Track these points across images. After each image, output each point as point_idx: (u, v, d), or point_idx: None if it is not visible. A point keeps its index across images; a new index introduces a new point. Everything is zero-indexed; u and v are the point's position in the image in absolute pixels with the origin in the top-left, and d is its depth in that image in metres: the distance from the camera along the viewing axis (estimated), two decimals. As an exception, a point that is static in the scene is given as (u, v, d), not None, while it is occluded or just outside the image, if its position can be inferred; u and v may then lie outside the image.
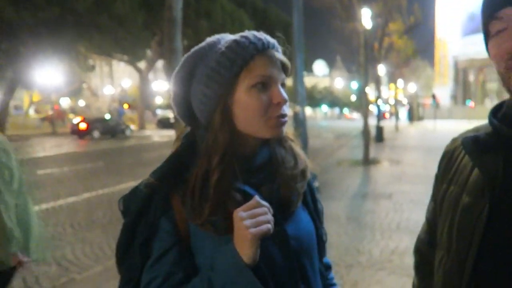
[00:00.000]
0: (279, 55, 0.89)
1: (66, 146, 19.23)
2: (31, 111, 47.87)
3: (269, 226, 0.76)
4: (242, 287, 0.76)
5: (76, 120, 26.33)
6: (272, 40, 0.89)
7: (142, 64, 35.37)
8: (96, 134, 24.43)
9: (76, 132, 24.48)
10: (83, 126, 24.34)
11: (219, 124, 0.85)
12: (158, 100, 53.85)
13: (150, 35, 28.07)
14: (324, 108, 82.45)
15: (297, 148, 0.98)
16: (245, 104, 0.84)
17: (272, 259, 0.84)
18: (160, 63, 38.04)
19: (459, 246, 0.80)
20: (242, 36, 0.86)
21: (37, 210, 6.59)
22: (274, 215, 0.80)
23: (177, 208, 0.84)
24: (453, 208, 0.84)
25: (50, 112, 34.10)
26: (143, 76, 34.50)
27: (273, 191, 0.89)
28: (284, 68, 0.89)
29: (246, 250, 0.75)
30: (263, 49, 0.86)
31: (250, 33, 0.88)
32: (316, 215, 1.01)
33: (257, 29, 0.91)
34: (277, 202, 0.87)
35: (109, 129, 25.36)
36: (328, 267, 1.14)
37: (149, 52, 32.90)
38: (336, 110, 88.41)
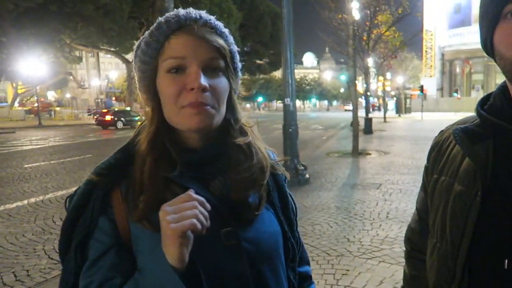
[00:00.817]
0: (208, 34, 0.76)
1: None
2: (16, 104, 46.99)
3: (194, 221, 0.65)
4: None
5: (97, 112, 29.37)
6: (195, 16, 0.77)
7: (129, 56, 34.88)
8: (119, 125, 26.42)
9: (101, 123, 26.74)
10: (108, 118, 26.62)
11: (149, 112, 0.80)
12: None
13: (137, 25, 27.68)
14: (313, 100, 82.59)
15: (257, 143, 0.87)
16: (161, 91, 0.77)
17: (218, 263, 0.76)
18: (147, 55, 37.55)
19: (453, 233, 0.83)
20: (164, 16, 0.78)
21: (25, 204, 6.49)
22: (225, 215, 0.77)
23: (118, 206, 0.76)
24: (446, 197, 0.87)
25: (35, 105, 33.52)
26: (131, 67, 34.03)
27: (225, 188, 0.80)
28: (220, 52, 0.77)
29: (168, 249, 0.67)
30: (179, 28, 0.75)
31: (174, 11, 0.78)
32: (285, 216, 0.89)
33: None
34: (229, 201, 0.80)
35: (131, 121, 26.89)
36: (306, 278, 0.99)
37: (136, 43, 32.47)
38: (325, 102, 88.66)
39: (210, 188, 0.80)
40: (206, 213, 0.68)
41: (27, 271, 3.94)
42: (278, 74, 55.52)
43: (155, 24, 0.78)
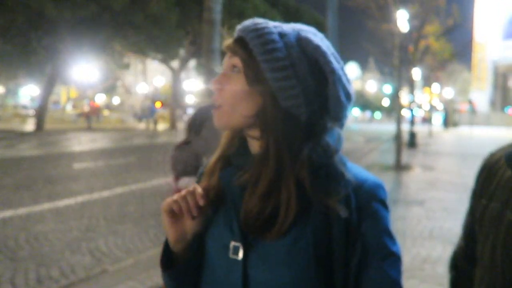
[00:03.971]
0: (233, 41, 0.80)
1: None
2: (69, 107, 49.66)
3: (168, 202, 0.79)
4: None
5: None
6: (241, 27, 0.80)
7: (175, 63, 35.96)
8: None
9: None
10: None
11: None
12: (189, 99, 54.66)
13: (184, 34, 28.51)
14: (355, 111, 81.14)
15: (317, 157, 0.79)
16: None
17: (217, 269, 0.82)
18: (192, 63, 38.53)
19: (505, 265, 0.77)
20: None
21: (73, 203, 6.80)
22: (240, 229, 0.78)
23: None
24: (496, 225, 0.81)
25: (86, 108, 35.23)
26: (176, 75, 35.07)
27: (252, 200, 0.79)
28: (241, 56, 0.78)
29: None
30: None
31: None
32: (333, 256, 0.75)
33: None
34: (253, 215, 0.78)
35: None
36: None
37: (182, 51, 33.39)
38: (368, 113, 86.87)
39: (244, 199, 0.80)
40: (190, 200, 0.78)
41: (72, 266, 4.13)
42: (320, 84, 54.98)
43: None
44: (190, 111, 50.79)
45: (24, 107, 44.43)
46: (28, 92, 46.36)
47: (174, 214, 0.81)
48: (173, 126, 33.65)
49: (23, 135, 21.93)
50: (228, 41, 0.81)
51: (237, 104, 0.78)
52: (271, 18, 0.85)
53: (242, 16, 26.47)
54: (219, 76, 0.80)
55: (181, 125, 36.15)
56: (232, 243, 0.79)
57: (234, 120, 0.79)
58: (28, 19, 20.75)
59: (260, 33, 0.77)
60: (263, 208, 0.76)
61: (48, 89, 26.84)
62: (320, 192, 0.75)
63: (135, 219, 5.92)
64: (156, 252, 4.31)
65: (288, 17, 30.57)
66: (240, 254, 0.77)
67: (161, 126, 35.24)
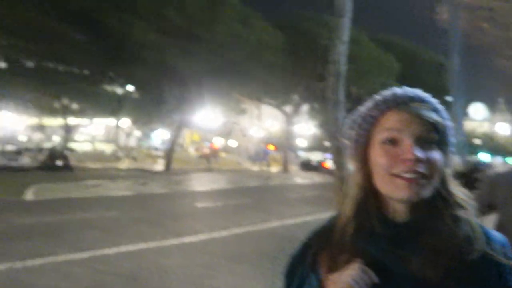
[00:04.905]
0: (423, 110, 0.81)
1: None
2: (191, 149, 54.42)
3: (342, 285, 0.77)
4: None
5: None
6: (411, 94, 0.83)
7: (288, 107, 37.18)
8: None
9: None
10: None
11: (354, 178, 0.86)
12: (300, 142, 55.42)
13: (298, 80, 29.54)
14: (485, 156, 72.85)
15: (469, 218, 0.82)
16: (374, 160, 0.82)
17: None
18: (305, 107, 39.38)
19: None
20: (381, 94, 0.86)
21: (196, 240, 7.25)
22: None
23: (324, 266, 0.84)
24: None
25: (206, 150, 38.13)
26: (289, 119, 36.12)
27: (425, 265, 0.78)
28: (435, 126, 0.81)
29: None
30: (395, 105, 0.82)
31: (392, 90, 0.85)
32: None
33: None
34: (428, 281, 0.77)
35: None
36: None
37: (295, 96, 34.45)
38: (499, 159, 77.27)
39: (410, 266, 0.79)
40: (366, 279, 0.77)
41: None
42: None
43: (372, 101, 0.87)
44: (301, 154, 51.33)
45: (156, 148, 49.94)
46: (159, 135, 52.17)
47: None
48: (285, 168, 34.25)
49: (154, 174, 24.61)
50: (431, 118, 0.81)
51: (438, 175, 0.81)
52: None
53: (355, 61, 26.47)
54: (422, 146, 0.79)
55: (293, 168, 36.68)
56: None
57: (431, 192, 0.80)
58: (163, 74, 23.80)
59: (442, 109, 0.86)
60: (447, 271, 0.77)
61: (176, 133, 29.98)
62: (478, 245, 0.80)
63: (252, 260, 6.09)
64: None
65: (405, 60, 29.60)
66: None
67: (274, 168, 36.18)
